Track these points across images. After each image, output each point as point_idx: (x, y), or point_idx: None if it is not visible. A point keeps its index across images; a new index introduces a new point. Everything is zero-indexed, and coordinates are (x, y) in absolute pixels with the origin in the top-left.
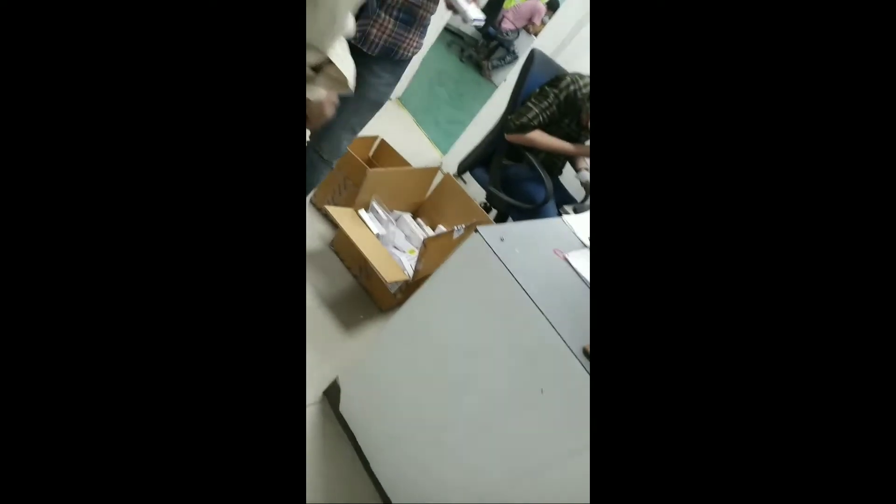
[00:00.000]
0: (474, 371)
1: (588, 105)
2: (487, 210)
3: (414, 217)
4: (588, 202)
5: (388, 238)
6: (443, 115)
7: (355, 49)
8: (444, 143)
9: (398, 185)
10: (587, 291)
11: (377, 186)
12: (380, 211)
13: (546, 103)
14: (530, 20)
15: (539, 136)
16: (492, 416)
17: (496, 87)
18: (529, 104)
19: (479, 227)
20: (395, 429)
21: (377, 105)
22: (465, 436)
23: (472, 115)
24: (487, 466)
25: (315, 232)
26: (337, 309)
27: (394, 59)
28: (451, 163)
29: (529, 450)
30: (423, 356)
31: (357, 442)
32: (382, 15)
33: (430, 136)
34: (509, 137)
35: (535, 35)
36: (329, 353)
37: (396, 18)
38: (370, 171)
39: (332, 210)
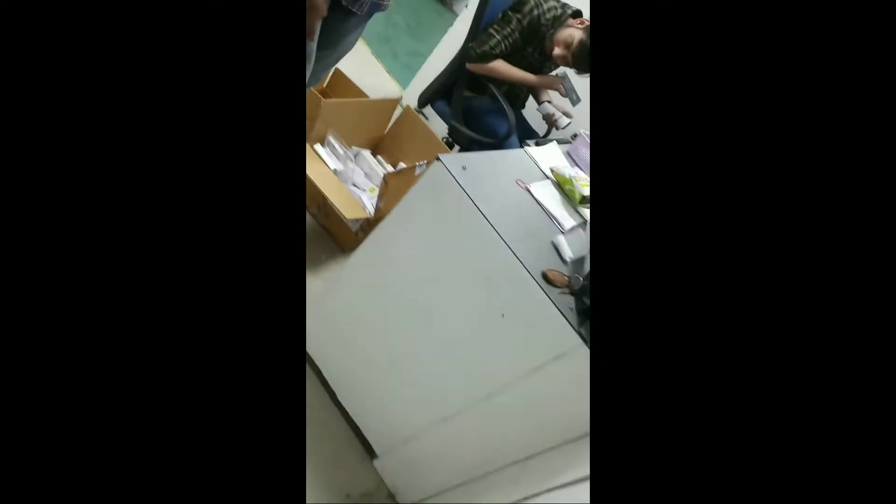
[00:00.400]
0: (438, 299)
1: (553, 32)
2: (450, 146)
3: (373, 154)
4: (550, 136)
5: (346, 175)
6: (402, 47)
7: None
8: (403, 76)
9: (356, 118)
10: (548, 220)
11: (333, 119)
12: (337, 146)
13: (508, 30)
14: None
15: (501, 66)
16: (456, 342)
17: (458, 16)
18: (491, 31)
19: (440, 156)
20: (360, 360)
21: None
22: (431, 361)
23: (432, 46)
24: (453, 389)
25: None
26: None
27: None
28: (411, 97)
29: (493, 371)
30: (386, 287)
31: (323, 376)
32: None
33: (388, 68)
34: (470, 67)
35: None
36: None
37: None
38: (325, 101)
39: None
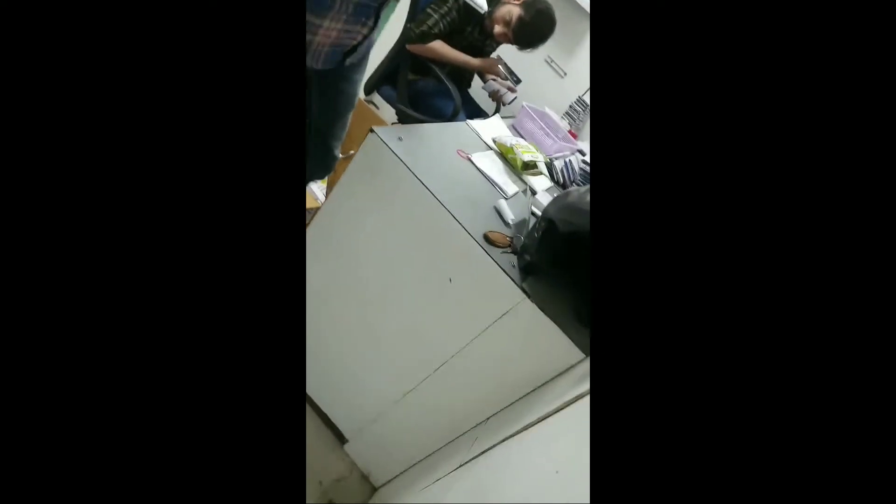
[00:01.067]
0: (389, 273)
1: (491, 10)
2: None
3: None
4: (500, 112)
5: None
6: None
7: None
8: None
9: None
10: (491, 187)
11: None
12: None
13: (445, 8)
14: None
15: (440, 47)
16: (410, 314)
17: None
18: (429, 10)
19: (375, 128)
20: (321, 347)
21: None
22: (389, 337)
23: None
24: (412, 362)
25: None
26: None
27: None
28: None
29: (447, 337)
30: (337, 270)
31: None
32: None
33: None
34: (410, 47)
35: None
36: None
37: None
38: None
39: None
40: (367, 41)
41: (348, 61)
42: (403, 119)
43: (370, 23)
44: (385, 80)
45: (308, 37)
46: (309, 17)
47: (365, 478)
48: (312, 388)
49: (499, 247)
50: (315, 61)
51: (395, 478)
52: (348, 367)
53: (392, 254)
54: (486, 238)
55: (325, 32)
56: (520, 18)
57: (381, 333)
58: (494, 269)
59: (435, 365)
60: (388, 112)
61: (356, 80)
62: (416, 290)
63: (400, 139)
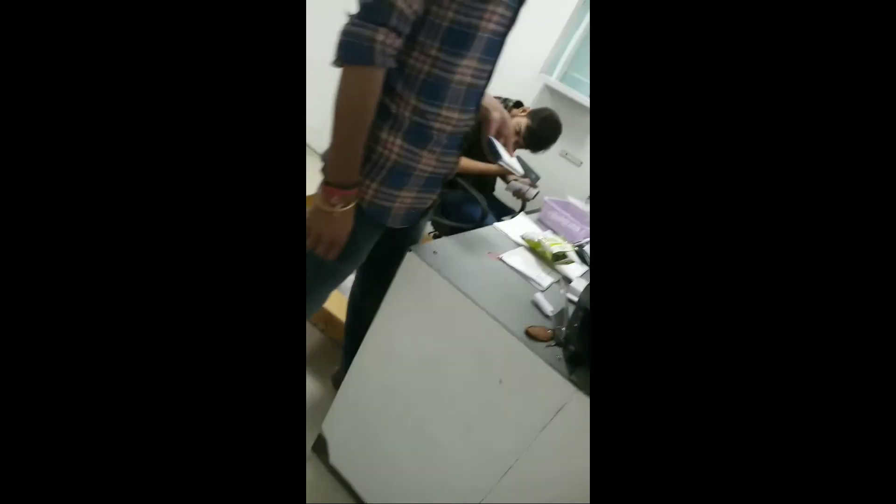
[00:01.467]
0: (441, 380)
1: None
2: (436, 237)
3: None
4: (526, 208)
5: (346, 285)
6: None
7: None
8: None
9: None
10: (525, 282)
11: None
12: None
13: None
14: None
15: (464, 163)
16: (466, 419)
17: None
18: None
19: (411, 248)
20: (382, 459)
21: None
22: (448, 444)
23: None
24: (473, 465)
25: None
26: (312, 367)
27: None
28: None
29: (505, 440)
30: (392, 380)
31: (352, 488)
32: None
33: None
34: None
35: None
36: (314, 416)
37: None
38: None
39: None
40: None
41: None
42: (437, 227)
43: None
44: None
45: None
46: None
47: None
48: (371, 498)
49: (541, 341)
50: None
51: None
52: (412, 477)
53: (444, 359)
54: (528, 334)
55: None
56: (528, 128)
57: (442, 440)
58: (541, 364)
59: (499, 473)
60: None
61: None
62: (470, 394)
63: (435, 253)
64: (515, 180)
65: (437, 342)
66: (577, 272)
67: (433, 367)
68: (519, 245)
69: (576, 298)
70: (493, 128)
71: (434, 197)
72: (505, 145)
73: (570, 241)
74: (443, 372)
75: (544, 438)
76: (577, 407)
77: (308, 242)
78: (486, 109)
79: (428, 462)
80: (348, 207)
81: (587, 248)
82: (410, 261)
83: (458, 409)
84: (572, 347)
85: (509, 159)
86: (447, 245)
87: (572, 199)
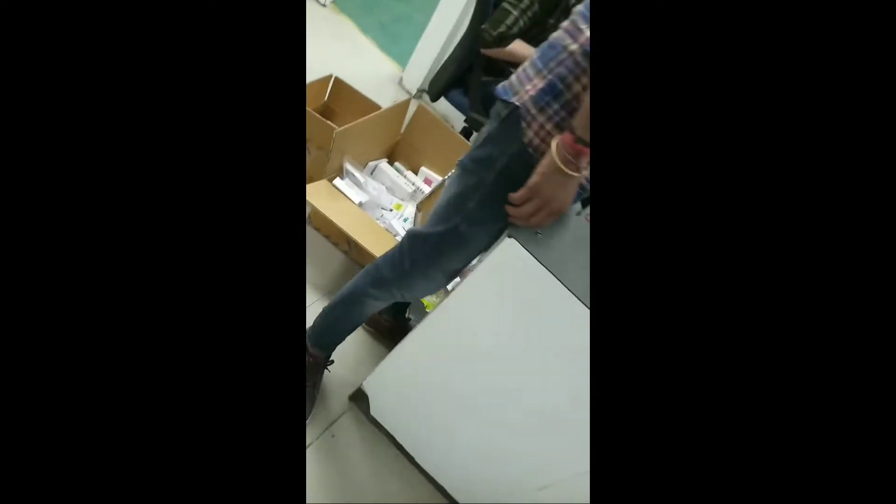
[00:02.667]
0: (521, 376)
1: None
2: (468, 134)
3: (390, 162)
4: None
5: (370, 203)
6: (386, 12)
7: None
8: (397, 50)
9: (369, 135)
10: None
11: (348, 146)
12: (356, 173)
13: (526, 2)
14: None
15: (522, 49)
16: (551, 412)
17: None
18: (506, 6)
19: (511, 233)
20: (434, 426)
21: None
22: (524, 433)
23: (419, 7)
24: (552, 460)
25: None
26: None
27: None
28: (413, 77)
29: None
30: (458, 366)
31: (397, 441)
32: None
33: (380, 45)
34: (487, 53)
35: None
36: (343, 361)
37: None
38: (337, 131)
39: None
40: None
41: None
42: (475, 127)
43: None
44: (454, 83)
45: None
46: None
47: None
48: (418, 454)
49: None
50: None
51: None
52: (461, 438)
53: (526, 357)
54: None
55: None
56: None
57: (516, 428)
58: None
59: (580, 467)
60: (455, 119)
61: None
62: (559, 389)
63: (538, 234)
64: None
65: (524, 338)
66: None
67: (512, 364)
68: None
69: None
70: None
71: None
72: None
73: None
74: (524, 370)
75: None
76: None
77: (528, 208)
78: None
79: (483, 436)
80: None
81: None
82: (508, 248)
83: (540, 402)
84: None
85: None
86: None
87: None
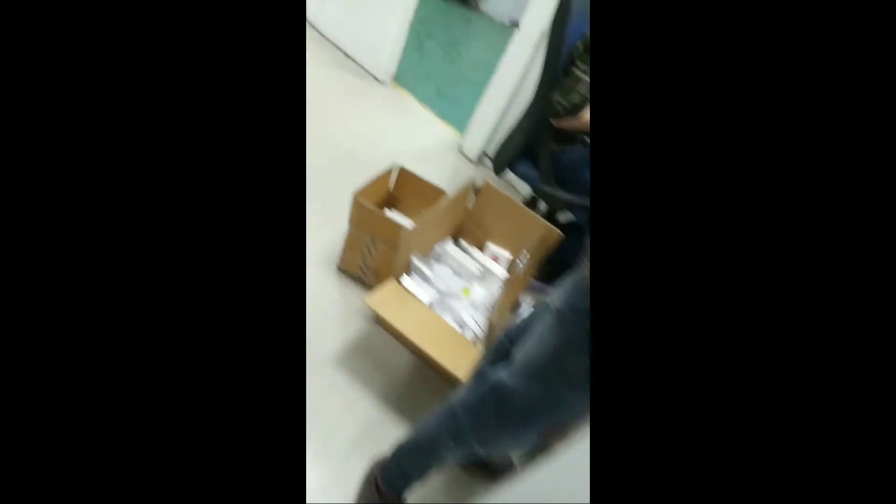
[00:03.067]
0: None
1: None
2: (534, 204)
3: (455, 240)
4: None
5: (441, 301)
6: (442, 79)
7: None
8: (456, 115)
9: (435, 224)
10: None
11: (415, 240)
12: (422, 267)
13: None
14: None
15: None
16: None
17: (487, 16)
18: (577, 73)
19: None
20: None
21: None
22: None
23: (472, 65)
24: None
25: (352, 308)
26: (401, 402)
27: None
28: (474, 143)
29: None
30: None
31: None
32: None
33: (438, 113)
34: (560, 124)
35: None
36: None
37: None
38: (405, 232)
39: (372, 303)
40: None
41: None
42: (547, 199)
43: None
44: (521, 154)
45: None
46: None
47: None
48: None
49: None
50: None
51: None
52: None
53: None
54: None
55: None
56: None
57: None
58: None
59: None
60: (523, 192)
61: None
62: None
63: None
64: None
65: None
66: None
67: None
68: None
69: None
70: None
71: None
72: None
73: None
74: None
75: None
76: None
77: None
78: None
79: None
80: None
81: None
82: None
83: None
84: None
85: None
86: None
87: None
